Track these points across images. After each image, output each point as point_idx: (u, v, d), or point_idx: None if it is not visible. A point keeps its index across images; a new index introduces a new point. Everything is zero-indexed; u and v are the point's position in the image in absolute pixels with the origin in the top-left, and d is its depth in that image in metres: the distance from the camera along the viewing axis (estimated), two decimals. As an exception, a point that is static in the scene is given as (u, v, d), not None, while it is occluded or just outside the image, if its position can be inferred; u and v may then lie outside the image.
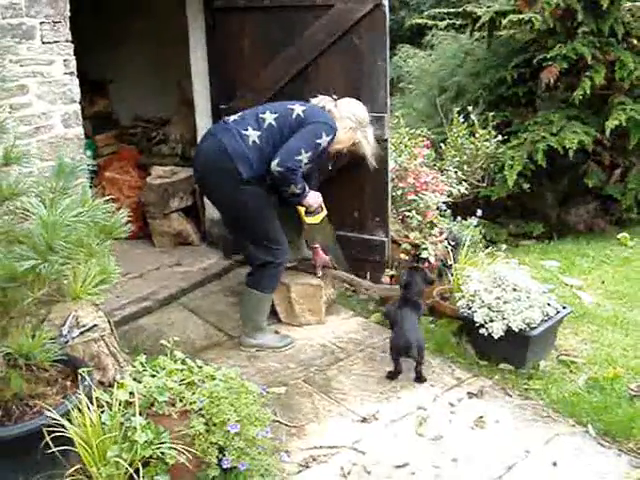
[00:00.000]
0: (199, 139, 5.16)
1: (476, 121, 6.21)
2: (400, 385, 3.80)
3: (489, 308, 3.87)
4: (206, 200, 5.42)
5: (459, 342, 4.19)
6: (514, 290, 3.91)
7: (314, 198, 4.05)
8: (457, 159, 6.13)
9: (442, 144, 6.24)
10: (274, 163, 3.74)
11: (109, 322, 3.60)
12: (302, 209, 4.10)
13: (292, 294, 4.40)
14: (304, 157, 3.77)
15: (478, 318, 3.86)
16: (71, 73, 3.63)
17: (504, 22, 6.75)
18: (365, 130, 4.11)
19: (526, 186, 6.60)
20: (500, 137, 6.35)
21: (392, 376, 3.85)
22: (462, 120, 6.39)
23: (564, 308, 4.09)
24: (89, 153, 3.94)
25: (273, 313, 4.43)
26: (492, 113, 6.47)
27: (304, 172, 3.89)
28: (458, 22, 7.67)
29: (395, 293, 4.16)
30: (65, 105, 3.65)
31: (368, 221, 4.60)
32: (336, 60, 4.38)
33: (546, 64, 6.48)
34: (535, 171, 6.54)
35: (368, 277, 4.66)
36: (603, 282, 5.35)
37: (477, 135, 6.15)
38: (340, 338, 4.32)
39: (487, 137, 6.18)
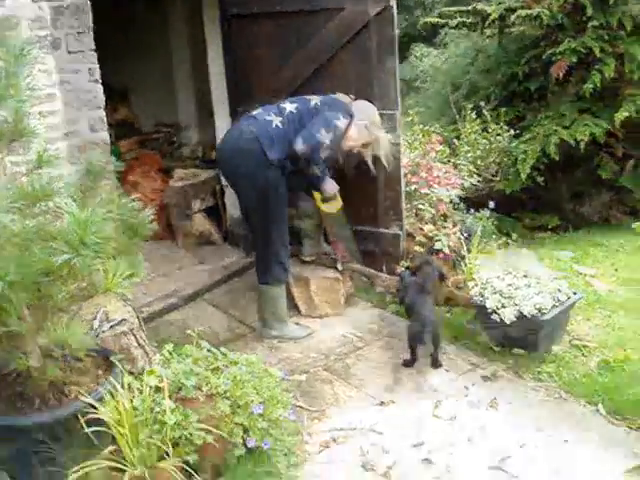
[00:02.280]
0: (219, 140, 5.41)
1: (489, 117, 6.33)
2: (416, 371, 3.95)
3: (501, 294, 4.01)
4: (227, 200, 5.62)
5: (474, 329, 4.32)
6: (525, 277, 4.05)
7: (331, 185, 4.30)
8: (470, 154, 6.26)
9: (456, 140, 6.36)
10: (298, 142, 3.99)
11: (137, 317, 3.77)
12: (318, 196, 4.29)
13: (312, 287, 4.57)
14: (325, 137, 4.01)
15: (490, 304, 4.00)
16: (96, 81, 3.82)
17: (513, 18, 6.84)
18: (378, 131, 4.30)
19: (540, 179, 6.69)
20: (512, 132, 6.45)
21: (408, 363, 3.98)
22: (475, 117, 6.53)
23: (575, 294, 4.21)
24: (114, 158, 4.14)
25: (294, 306, 4.61)
26: (504, 109, 6.59)
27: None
28: (469, 20, 7.77)
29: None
30: (91, 111, 3.84)
31: (383, 215, 4.74)
32: (348, 61, 4.55)
33: (556, 59, 6.57)
34: (548, 164, 6.64)
35: (384, 270, 4.81)
36: (616, 270, 5.45)
37: (490, 130, 6.28)
38: (359, 328, 4.48)
39: (499, 132, 6.30)
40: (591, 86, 6.38)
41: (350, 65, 4.55)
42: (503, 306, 3.98)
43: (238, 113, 4.98)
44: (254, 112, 4.22)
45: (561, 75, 6.45)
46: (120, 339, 3.53)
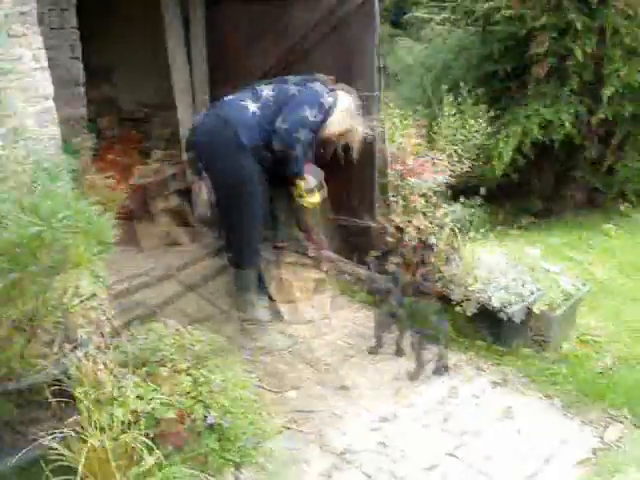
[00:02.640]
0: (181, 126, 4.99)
1: (469, 99, 5.97)
2: (419, 380, 3.55)
3: (506, 291, 3.64)
4: (195, 198, 5.17)
5: (475, 329, 3.96)
6: (532, 270, 3.69)
7: (313, 171, 3.99)
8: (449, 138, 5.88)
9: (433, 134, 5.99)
10: (279, 120, 3.72)
11: (107, 293, 3.51)
12: (302, 184, 3.91)
13: (295, 290, 4.16)
14: (309, 114, 3.75)
15: (496, 302, 3.64)
16: (76, 58, 3.66)
17: (497, 17, 6.53)
18: (356, 120, 4.02)
19: (523, 162, 6.38)
20: (490, 129, 6.12)
21: (415, 376, 3.59)
22: (453, 112, 6.17)
23: (584, 285, 3.87)
24: (92, 135, 3.97)
25: (276, 312, 4.20)
26: (485, 105, 6.25)
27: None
28: (453, 17, 7.45)
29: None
30: (70, 88, 3.70)
31: (358, 206, 4.43)
32: (324, 41, 4.15)
33: (536, 60, 6.28)
34: (530, 146, 6.33)
35: (354, 260, 4.51)
36: (614, 254, 5.15)
37: (467, 127, 5.93)
38: (348, 333, 4.07)
39: (477, 129, 5.95)
40: (574, 62, 6.08)
41: (329, 49, 4.18)
42: (510, 303, 3.61)
43: (212, 99, 4.59)
44: (227, 97, 3.92)
45: (542, 74, 6.15)
46: (89, 313, 3.31)
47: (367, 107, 4.06)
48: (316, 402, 3.43)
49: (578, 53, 6.05)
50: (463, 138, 5.80)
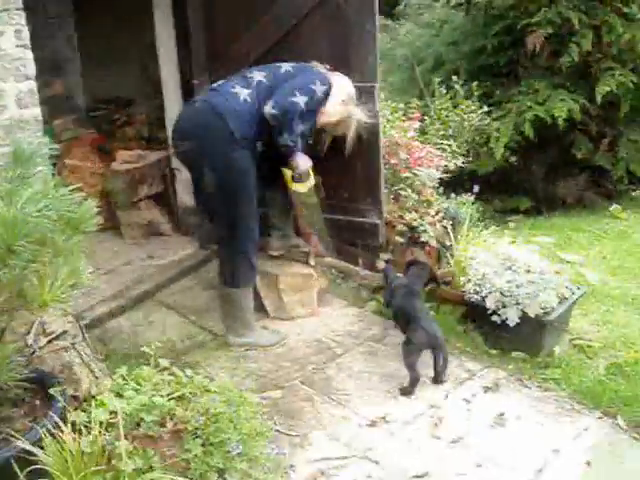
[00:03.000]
0: (167, 116, 4.78)
1: (461, 91, 5.86)
2: (407, 382, 3.43)
3: (501, 293, 3.54)
4: (178, 185, 5.00)
5: (465, 330, 3.85)
6: (527, 272, 3.58)
7: (304, 159, 3.65)
8: (442, 132, 5.77)
9: (425, 117, 5.86)
10: (268, 106, 3.42)
11: (80, 327, 3.20)
12: (289, 173, 3.70)
13: (281, 285, 4.00)
14: (300, 100, 3.45)
15: (490, 304, 3.53)
16: (24, 45, 3.14)
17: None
18: (354, 108, 3.79)
19: (513, 159, 6.30)
20: (486, 108, 6.01)
21: (409, 390, 3.35)
22: (444, 91, 6.05)
23: (578, 289, 3.78)
24: (47, 139, 3.50)
25: (260, 307, 4.04)
26: (476, 83, 6.14)
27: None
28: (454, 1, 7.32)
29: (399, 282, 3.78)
30: (19, 83, 3.17)
31: (360, 202, 4.19)
32: (319, 26, 3.94)
33: (530, 29, 6.15)
34: (521, 143, 6.25)
35: (361, 263, 4.29)
36: (605, 257, 5.07)
37: (463, 107, 5.81)
38: (336, 331, 3.94)
39: (473, 108, 5.84)
40: (569, 60, 6.02)
41: (322, 31, 3.94)
42: (504, 305, 3.51)
43: (192, 86, 4.37)
44: (215, 85, 3.63)
45: (537, 47, 6.02)
46: (61, 356, 2.95)
47: (365, 98, 3.86)
48: (302, 403, 3.30)
49: (574, 52, 5.98)
50: (457, 119, 5.71)
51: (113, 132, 5.82)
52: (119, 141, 5.63)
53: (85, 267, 2.56)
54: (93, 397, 2.83)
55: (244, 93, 3.49)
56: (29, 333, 2.99)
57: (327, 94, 3.61)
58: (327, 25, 3.94)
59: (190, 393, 2.55)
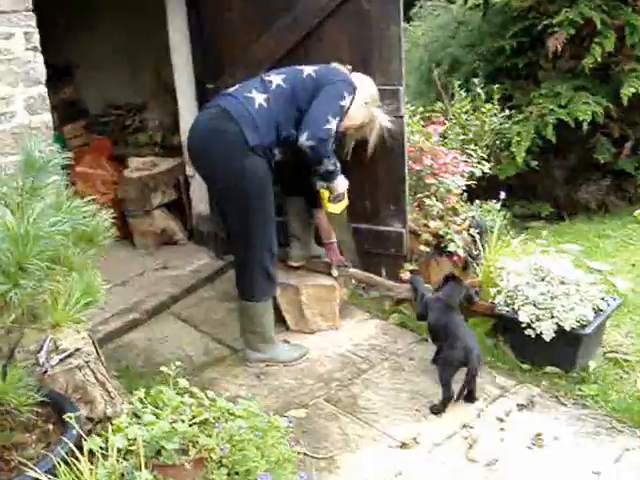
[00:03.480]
0: (181, 121, 4.64)
1: (482, 94, 5.70)
2: (438, 400, 3.26)
3: (535, 305, 3.37)
4: (193, 193, 4.86)
5: (496, 344, 3.68)
6: (562, 283, 3.41)
7: (343, 182, 3.55)
8: (461, 137, 5.61)
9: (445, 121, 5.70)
10: (303, 138, 3.26)
11: (93, 343, 3.04)
12: (326, 194, 3.55)
13: (302, 297, 3.84)
14: (333, 124, 3.31)
15: (523, 317, 3.36)
16: (34, 48, 3.02)
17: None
18: (377, 111, 3.67)
19: (534, 163, 6.13)
20: (507, 111, 5.85)
21: (440, 409, 3.19)
22: (464, 94, 5.90)
23: (614, 300, 3.61)
24: (58, 146, 3.33)
25: (281, 320, 3.88)
26: (496, 85, 5.98)
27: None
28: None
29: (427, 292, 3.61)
30: (28, 87, 3.05)
31: (382, 210, 4.04)
32: (342, 27, 3.80)
33: (551, 31, 5.98)
34: (542, 147, 6.08)
35: (384, 274, 4.12)
36: (634, 265, 4.88)
37: (483, 110, 5.65)
38: (359, 345, 3.78)
39: (495, 112, 5.68)
40: (591, 61, 5.81)
41: (344, 32, 3.80)
42: (538, 319, 3.34)
43: (206, 91, 4.23)
44: (231, 90, 3.45)
45: (559, 48, 5.84)
46: (74, 375, 2.79)
47: (390, 101, 3.72)
48: (327, 423, 3.14)
49: (596, 52, 5.80)
50: (477, 123, 5.54)
51: (125, 138, 5.67)
52: (131, 147, 5.49)
53: (100, 284, 2.41)
54: (109, 418, 2.69)
55: (260, 98, 3.32)
56: (41, 350, 2.85)
57: (353, 100, 3.46)
58: (350, 27, 3.80)
59: (214, 417, 2.38)
